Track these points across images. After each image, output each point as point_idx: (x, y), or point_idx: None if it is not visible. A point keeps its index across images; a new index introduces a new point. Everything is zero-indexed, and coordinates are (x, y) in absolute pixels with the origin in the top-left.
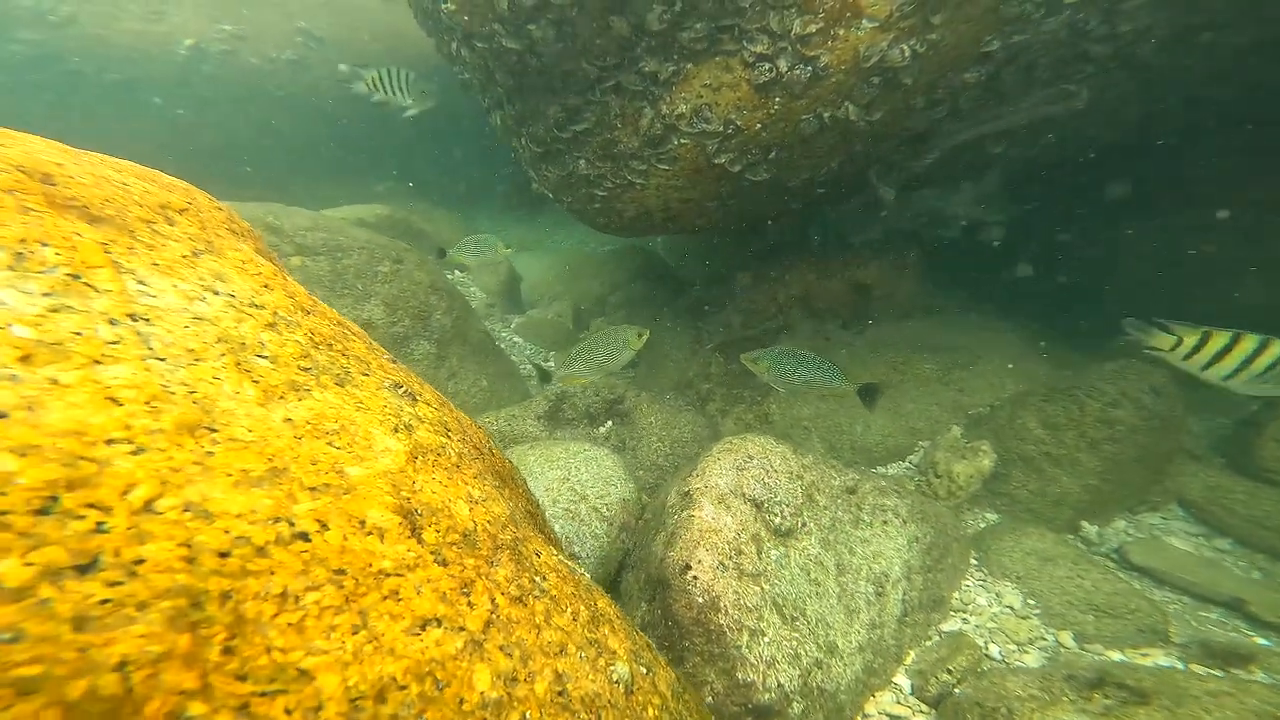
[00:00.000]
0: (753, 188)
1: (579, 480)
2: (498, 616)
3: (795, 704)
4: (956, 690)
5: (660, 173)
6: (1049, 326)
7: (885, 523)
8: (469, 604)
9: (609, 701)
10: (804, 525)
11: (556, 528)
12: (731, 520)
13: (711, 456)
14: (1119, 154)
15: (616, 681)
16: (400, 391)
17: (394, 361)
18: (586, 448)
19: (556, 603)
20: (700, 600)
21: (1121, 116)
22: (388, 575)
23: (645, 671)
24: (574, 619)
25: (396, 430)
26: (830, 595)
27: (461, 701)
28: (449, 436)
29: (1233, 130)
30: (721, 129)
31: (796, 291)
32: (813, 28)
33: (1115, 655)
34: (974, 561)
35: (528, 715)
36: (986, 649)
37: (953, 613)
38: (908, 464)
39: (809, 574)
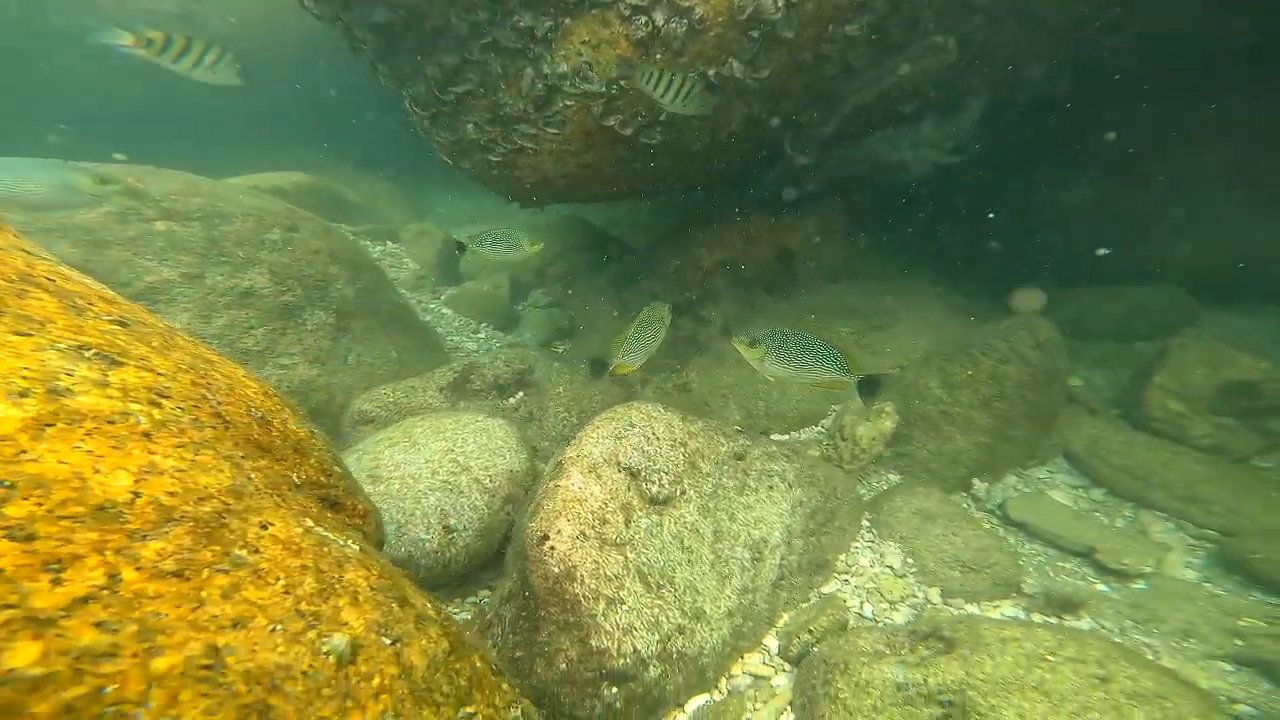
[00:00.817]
0: (654, 152)
1: (464, 451)
2: (114, 592)
3: (652, 668)
4: (814, 649)
5: (551, 137)
6: (977, 286)
7: (771, 488)
8: (52, 581)
9: (302, 673)
10: (684, 493)
11: (433, 500)
12: (599, 490)
13: (591, 425)
14: (1035, 114)
15: (326, 653)
16: (86, 354)
17: (125, 325)
18: (480, 419)
19: (259, 575)
20: (556, 570)
21: (1025, 74)
22: None
23: (389, 643)
24: (285, 593)
25: (23, 395)
26: (703, 562)
27: None
28: (158, 405)
29: (1135, 86)
30: (604, 88)
31: (722, 257)
32: None
33: (972, 609)
34: (866, 523)
35: (106, 692)
36: (861, 609)
37: (836, 575)
38: (820, 428)
39: (682, 542)
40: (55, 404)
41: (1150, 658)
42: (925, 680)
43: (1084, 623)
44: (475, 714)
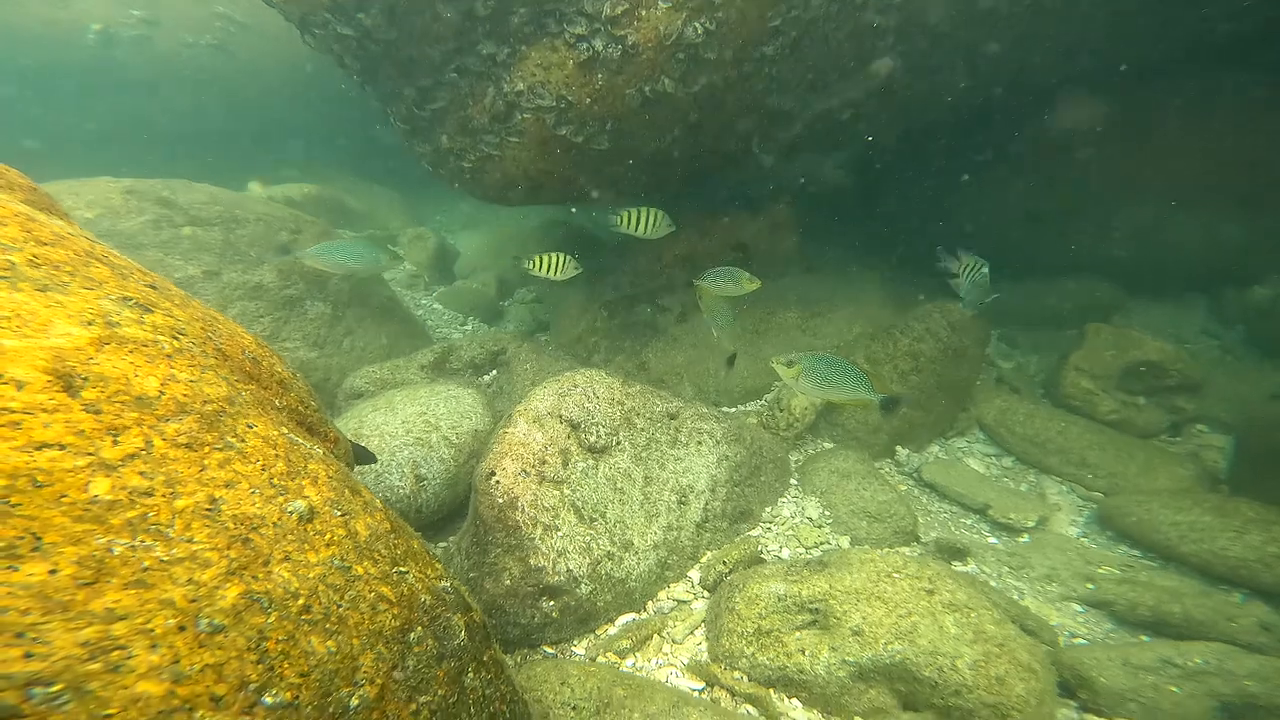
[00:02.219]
0: (605, 157)
1: (435, 414)
2: (150, 453)
3: (584, 586)
4: (727, 578)
5: (512, 144)
6: (919, 276)
7: (700, 443)
8: (113, 441)
9: (273, 523)
10: (619, 443)
11: (406, 453)
12: (541, 435)
13: (541, 385)
14: (969, 120)
15: (290, 512)
16: (129, 303)
17: (155, 289)
18: (452, 389)
19: (245, 456)
20: (500, 500)
21: (948, 85)
22: (13, 413)
23: (339, 514)
24: (262, 469)
25: (90, 324)
26: (634, 502)
27: (62, 496)
28: (177, 339)
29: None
30: (555, 104)
31: (681, 252)
32: (620, 9)
33: None
34: (794, 482)
35: (149, 516)
36: (780, 552)
37: (760, 523)
38: (763, 402)
39: (615, 484)
40: (109, 331)
41: (1015, 597)
42: (799, 592)
43: (969, 568)
44: (408, 572)
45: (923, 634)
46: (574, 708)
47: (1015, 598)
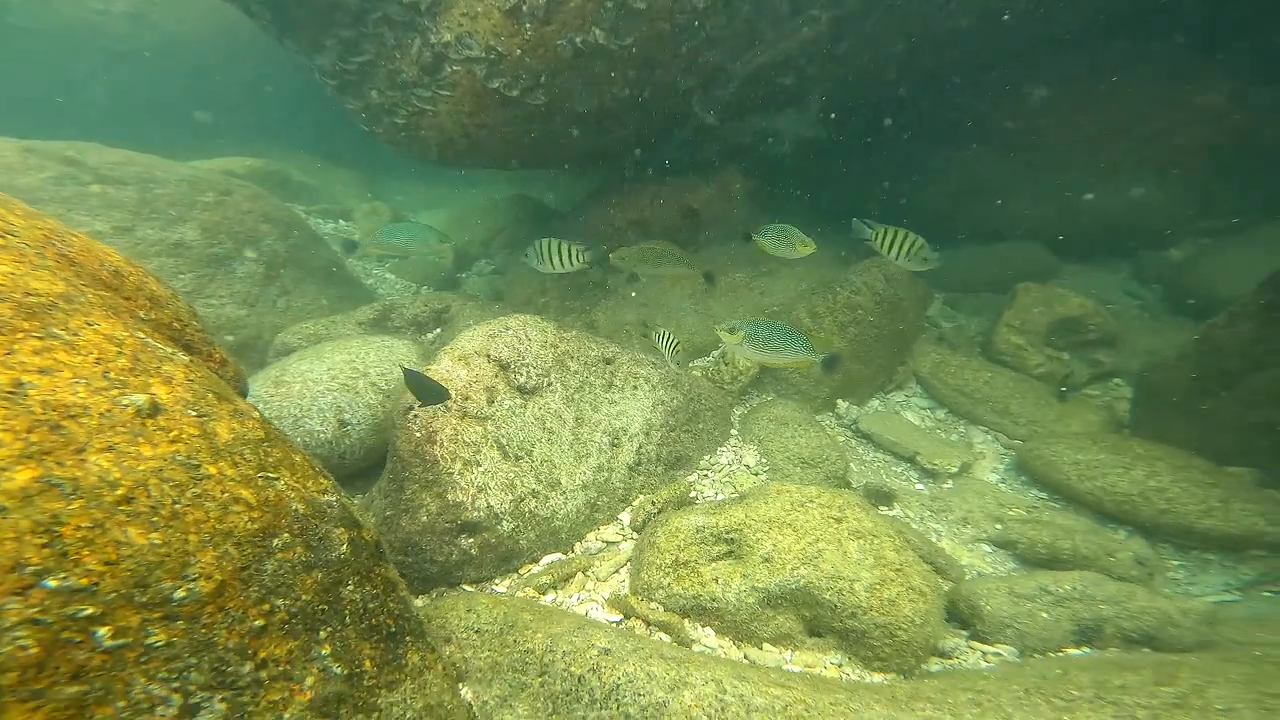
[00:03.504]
0: (544, 114)
1: (364, 361)
2: None
3: (505, 523)
4: (655, 517)
5: (445, 98)
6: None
7: (635, 388)
8: None
9: (100, 414)
10: (550, 385)
11: (330, 399)
12: (465, 372)
13: (471, 327)
14: (910, 91)
15: (125, 405)
16: None
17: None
18: (386, 339)
19: (73, 348)
20: (418, 435)
21: (887, 53)
22: None
23: (194, 414)
24: (96, 362)
25: None
26: (563, 441)
27: None
28: (3, 238)
29: (986, 67)
30: (485, 54)
31: (633, 216)
32: None
33: None
34: (735, 432)
35: None
36: (715, 497)
37: (697, 470)
38: (710, 358)
39: (544, 423)
40: None
41: (934, 539)
42: (717, 523)
43: (895, 511)
44: (278, 479)
45: (827, 559)
46: (478, 631)
47: (933, 539)
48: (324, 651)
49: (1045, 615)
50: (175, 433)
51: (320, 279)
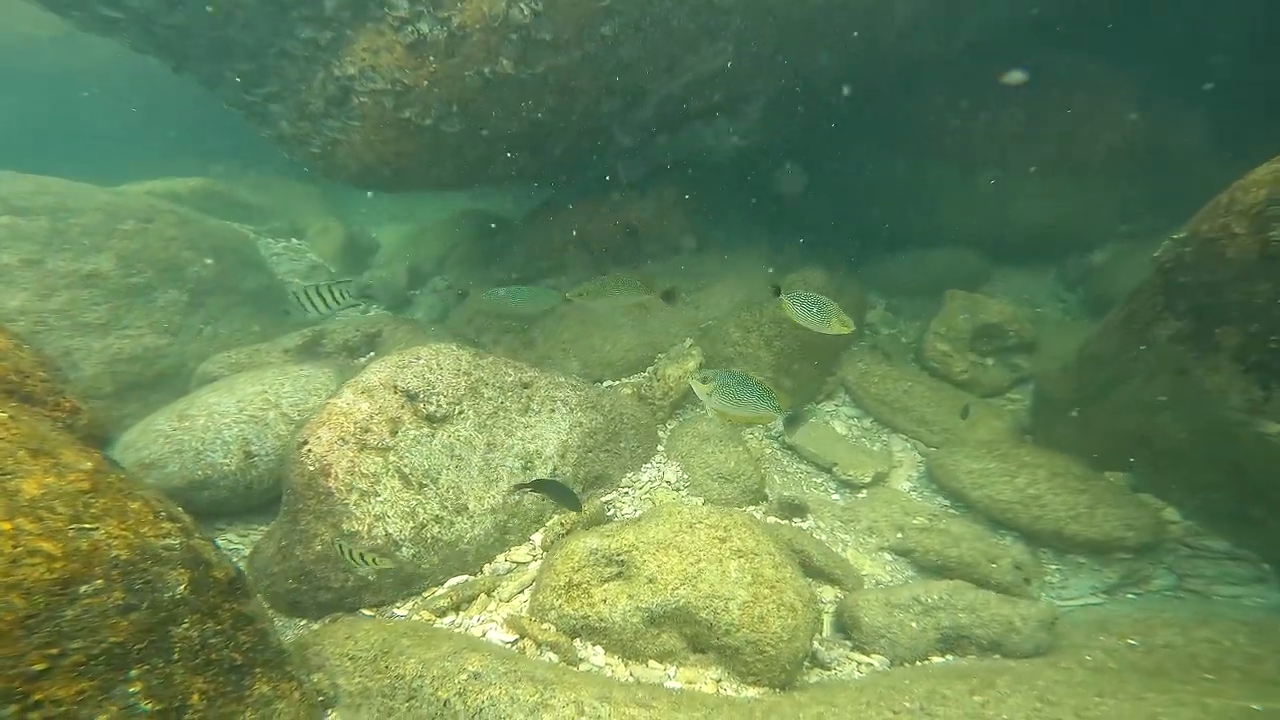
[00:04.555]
0: (463, 139)
1: (277, 392)
2: None
3: (406, 549)
4: (564, 537)
5: (357, 129)
6: (803, 250)
7: (553, 411)
8: None
9: None
10: (461, 412)
11: (236, 430)
12: (368, 405)
13: (380, 358)
14: (846, 104)
15: None
16: None
17: None
18: (304, 370)
19: None
20: (311, 469)
21: (811, 67)
22: None
23: None
24: None
25: None
26: (471, 467)
27: None
28: None
29: (910, 76)
30: (390, 87)
31: (574, 233)
32: None
33: None
34: (661, 449)
35: None
36: (635, 513)
37: (618, 488)
38: (646, 374)
39: (453, 450)
40: None
41: (839, 549)
42: (609, 545)
43: (808, 523)
44: (95, 529)
45: (706, 579)
46: (352, 657)
47: (839, 550)
48: (132, 689)
49: (914, 625)
50: None
51: (253, 304)
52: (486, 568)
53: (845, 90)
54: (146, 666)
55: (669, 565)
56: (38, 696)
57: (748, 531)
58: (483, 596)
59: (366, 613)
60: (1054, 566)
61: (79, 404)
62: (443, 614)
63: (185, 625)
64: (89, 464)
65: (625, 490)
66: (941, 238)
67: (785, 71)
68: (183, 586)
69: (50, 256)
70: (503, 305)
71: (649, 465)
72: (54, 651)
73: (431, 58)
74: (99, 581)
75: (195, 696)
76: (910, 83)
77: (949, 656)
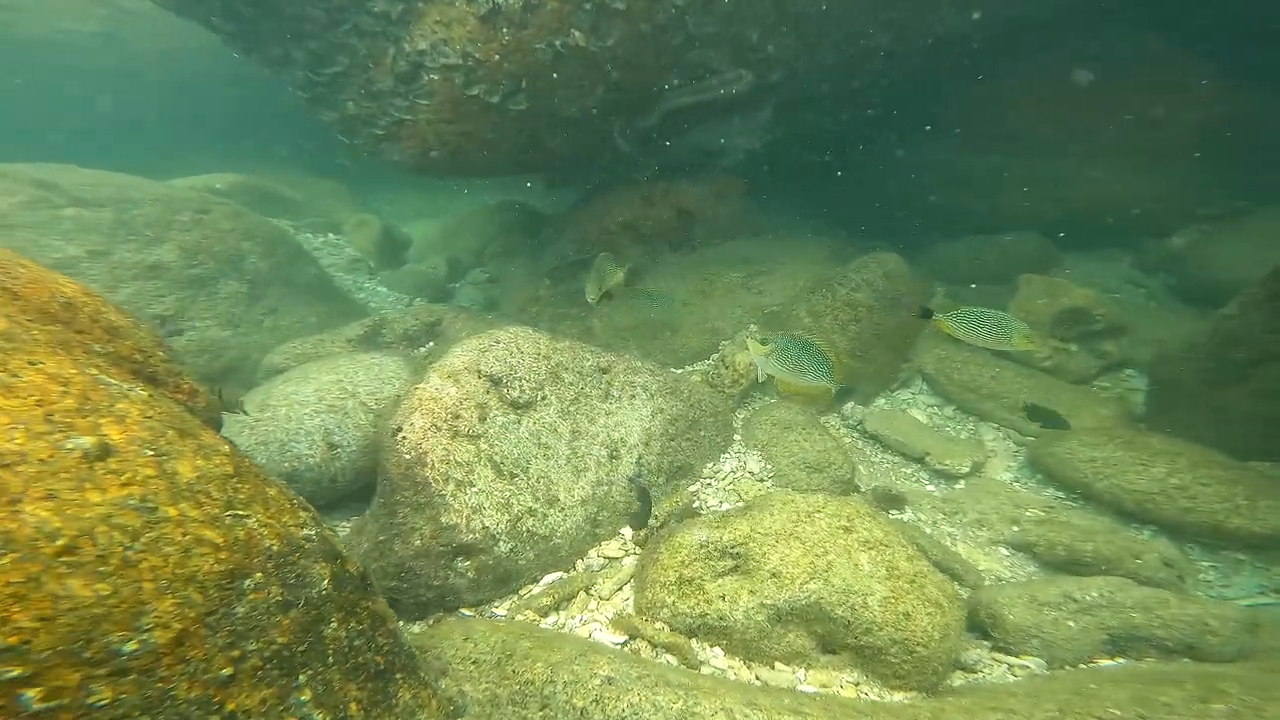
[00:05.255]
0: (526, 119)
1: (353, 381)
2: None
3: (502, 544)
4: (659, 530)
5: (424, 108)
6: (859, 237)
7: (633, 397)
8: None
9: (40, 460)
10: (544, 398)
11: (318, 420)
12: (455, 390)
13: (460, 342)
14: (902, 89)
15: (70, 449)
16: None
17: None
18: (374, 357)
19: (10, 390)
20: (408, 457)
21: (872, 46)
22: None
23: (150, 454)
24: (37, 404)
25: None
26: (559, 456)
27: None
28: None
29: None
30: (462, 61)
31: (625, 218)
32: None
33: None
34: (737, 438)
35: None
36: (719, 506)
37: (700, 479)
38: (709, 362)
39: (539, 438)
40: None
41: (948, 543)
42: (721, 537)
43: (906, 515)
44: (248, 517)
45: (838, 572)
46: (475, 661)
47: (948, 544)
48: (304, 697)
49: (1072, 624)
50: (128, 475)
51: (308, 295)
52: (579, 563)
53: (907, 75)
54: (310, 671)
55: (793, 558)
56: (230, 706)
57: (873, 522)
58: (582, 594)
59: (466, 612)
60: (1205, 564)
61: (196, 386)
62: (545, 613)
63: (334, 625)
64: (226, 446)
65: (707, 481)
66: (1004, 223)
67: (842, 51)
68: (326, 581)
69: (116, 247)
70: (643, 309)
71: (727, 455)
72: (235, 654)
73: (504, 29)
74: (258, 575)
75: (353, 706)
76: (973, 63)
77: (1120, 659)
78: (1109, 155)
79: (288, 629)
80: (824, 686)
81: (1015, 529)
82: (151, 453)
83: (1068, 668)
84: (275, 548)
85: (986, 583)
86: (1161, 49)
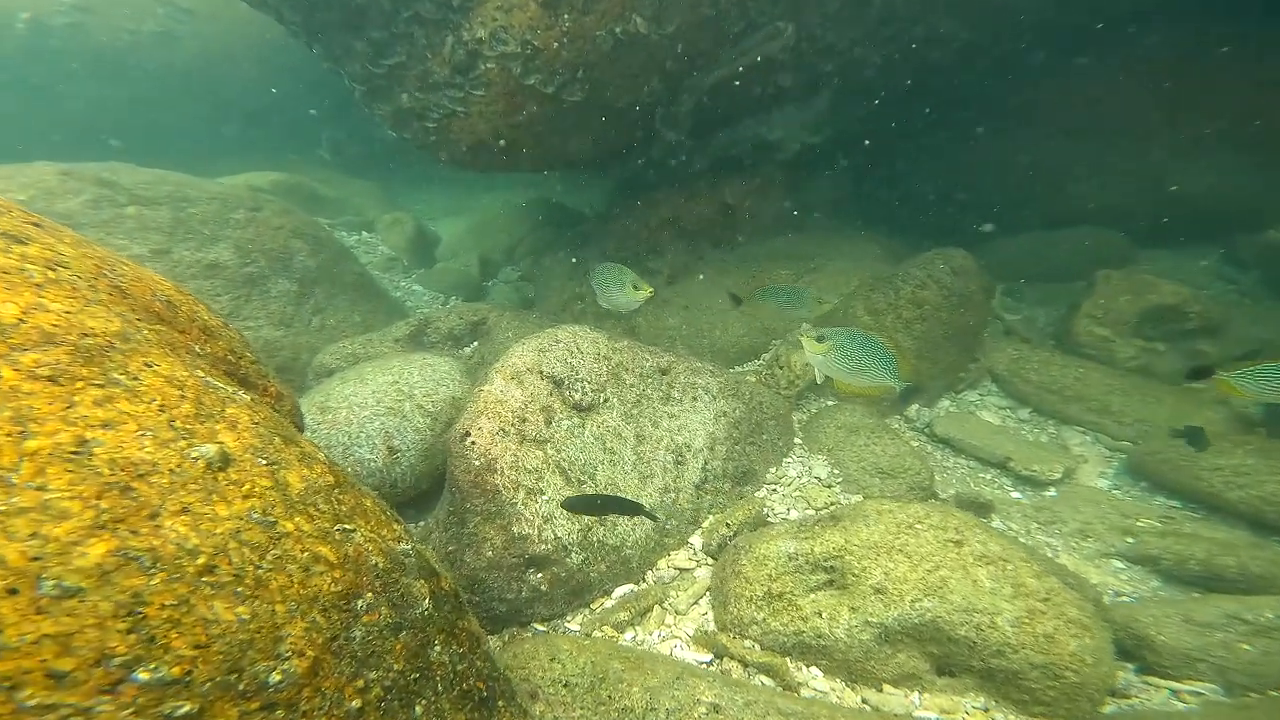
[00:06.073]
0: (580, 111)
1: (408, 382)
2: None
3: (574, 555)
4: (731, 541)
5: (478, 99)
6: (909, 230)
7: (695, 399)
8: None
9: (170, 470)
10: (606, 400)
11: (377, 424)
12: (520, 393)
13: (520, 342)
14: (957, 77)
15: (195, 458)
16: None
17: (39, 226)
18: (426, 357)
19: (135, 395)
20: (477, 463)
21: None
22: None
23: (264, 463)
24: (160, 409)
25: None
26: (625, 462)
27: None
28: (54, 270)
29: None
30: (520, 49)
31: (667, 215)
32: None
33: None
34: (798, 441)
35: None
36: (787, 514)
37: (765, 484)
38: (760, 361)
39: (604, 443)
40: None
41: (1049, 554)
42: (812, 549)
43: (995, 524)
44: (355, 531)
45: (954, 589)
46: (566, 684)
47: (1049, 555)
48: None
49: (1248, 647)
50: (248, 486)
51: (352, 294)
52: (650, 575)
53: (971, 62)
54: (424, 701)
55: (899, 573)
56: None
57: (985, 534)
58: (657, 608)
59: (539, 627)
60: None
61: (282, 389)
62: (622, 629)
63: (438, 648)
64: (323, 454)
65: (772, 487)
66: (1072, 217)
67: (907, 38)
68: (427, 600)
69: (176, 246)
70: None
71: (790, 459)
72: (360, 684)
73: (566, 15)
74: (369, 595)
75: None
76: (1047, 48)
77: None
78: (1203, 145)
79: (401, 654)
80: (945, 712)
81: (1130, 540)
82: (264, 462)
83: (1254, 695)
84: (381, 564)
85: (1106, 599)
86: (1254, 39)
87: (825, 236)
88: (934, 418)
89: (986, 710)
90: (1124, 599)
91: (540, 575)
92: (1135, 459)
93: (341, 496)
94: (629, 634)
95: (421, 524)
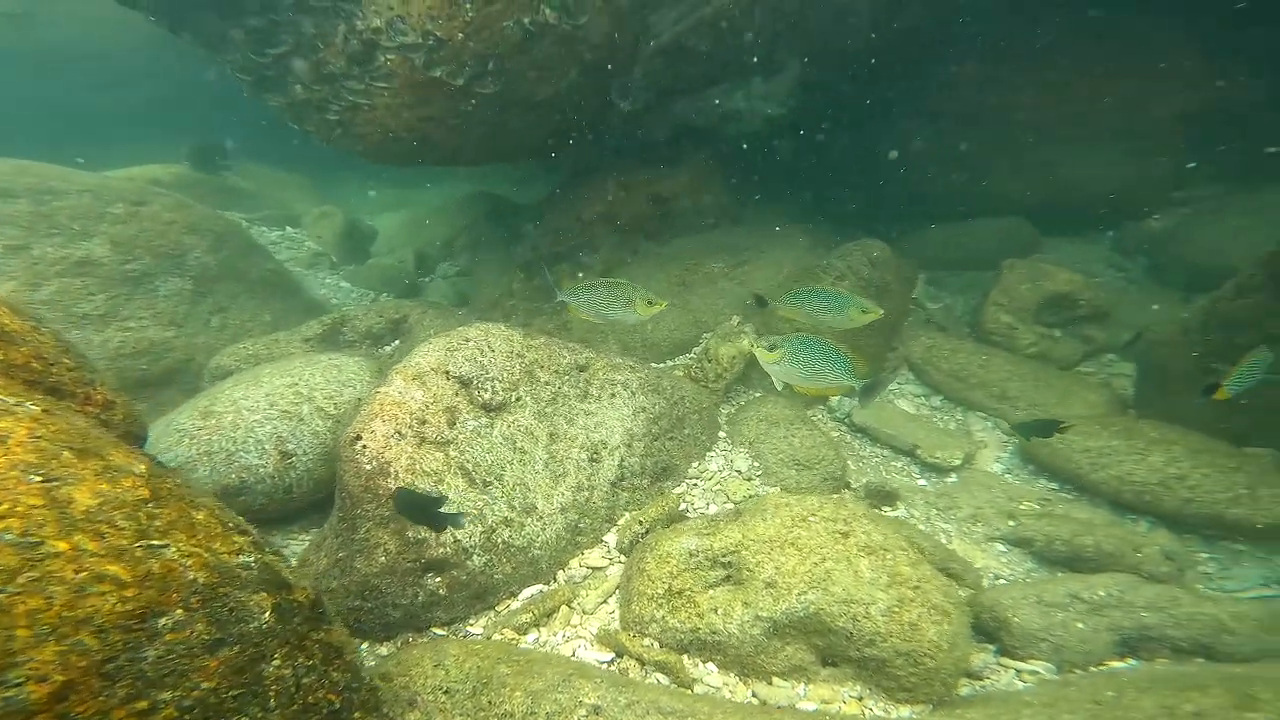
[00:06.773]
0: (496, 104)
1: (309, 384)
2: None
3: (476, 557)
4: (644, 538)
5: (381, 91)
6: (844, 225)
7: (614, 395)
8: None
9: None
10: (519, 399)
11: (269, 428)
12: (421, 394)
13: (427, 341)
14: (879, 69)
15: None
16: None
17: None
18: (332, 358)
19: None
20: (369, 467)
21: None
22: None
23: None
24: None
25: None
26: (536, 462)
27: None
28: None
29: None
30: (422, 40)
31: (600, 209)
32: None
33: None
34: (723, 434)
35: None
36: (707, 509)
37: (686, 479)
38: (691, 355)
39: (514, 442)
40: None
41: (944, 540)
42: (711, 546)
43: (899, 512)
44: (167, 546)
45: (837, 580)
46: (447, 691)
47: (943, 540)
48: None
49: (1081, 625)
50: (5, 506)
51: (261, 292)
52: (560, 574)
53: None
54: (244, 717)
55: (789, 566)
56: None
57: (871, 524)
58: (564, 609)
59: (438, 631)
60: (1204, 555)
61: (112, 396)
62: (525, 631)
63: (276, 662)
64: (142, 466)
65: (693, 482)
66: (984, 208)
67: (818, 33)
68: (267, 614)
69: (36, 241)
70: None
71: (713, 453)
72: (142, 706)
73: (468, 5)
74: (179, 612)
75: None
76: (951, 45)
77: (1130, 661)
78: (1095, 139)
79: (215, 671)
80: (826, 702)
81: (1011, 524)
82: (38, 478)
83: (1078, 671)
84: (202, 580)
85: (985, 582)
86: (1146, 32)
87: (760, 229)
88: (854, 407)
89: (860, 699)
90: (1001, 581)
91: (438, 579)
92: (1025, 443)
93: (156, 511)
94: (532, 635)
95: (316, 530)
